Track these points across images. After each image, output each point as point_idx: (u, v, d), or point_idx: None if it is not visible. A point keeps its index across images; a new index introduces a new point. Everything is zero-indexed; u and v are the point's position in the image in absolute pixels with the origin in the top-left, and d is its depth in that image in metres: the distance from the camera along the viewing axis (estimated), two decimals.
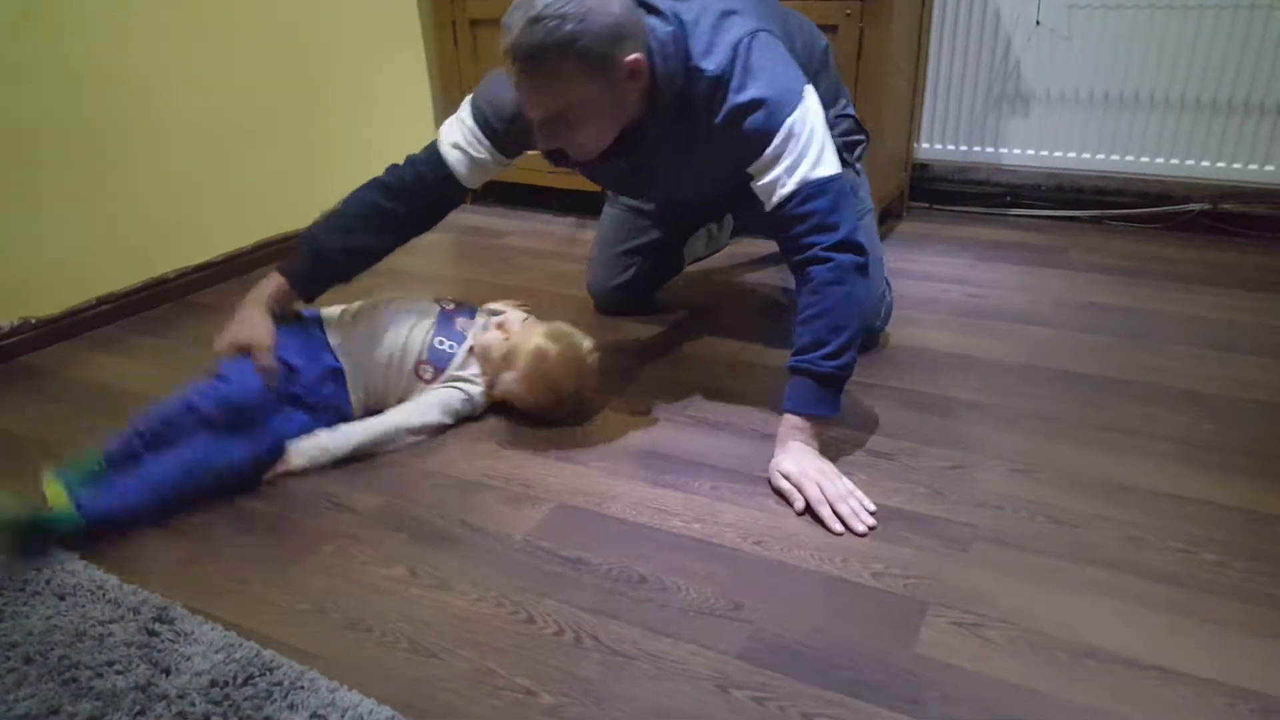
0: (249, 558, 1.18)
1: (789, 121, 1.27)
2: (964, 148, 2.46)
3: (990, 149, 2.44)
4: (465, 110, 1.45)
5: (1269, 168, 2.17)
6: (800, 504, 1.23)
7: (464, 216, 2.66)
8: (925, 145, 2.49)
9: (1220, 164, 2.21)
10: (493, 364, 1.46)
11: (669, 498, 1.28)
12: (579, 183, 2.45)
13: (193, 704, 0.94)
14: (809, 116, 1.28)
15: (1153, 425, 1.42)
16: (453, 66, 2.56)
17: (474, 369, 1.49)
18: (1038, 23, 2.26)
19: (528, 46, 1.16)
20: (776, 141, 1.27)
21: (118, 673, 0.98)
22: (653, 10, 1.29)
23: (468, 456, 1.40)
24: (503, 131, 1.42)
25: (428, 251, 2.37)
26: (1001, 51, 2.33)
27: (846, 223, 1.29)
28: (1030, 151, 2.40)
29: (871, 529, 1.19)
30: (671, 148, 1.38)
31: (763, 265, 2.18)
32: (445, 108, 2.64)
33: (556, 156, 1.34)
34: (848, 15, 1.99)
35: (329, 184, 2.41)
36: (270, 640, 1.03)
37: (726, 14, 1.31)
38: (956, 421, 1.45)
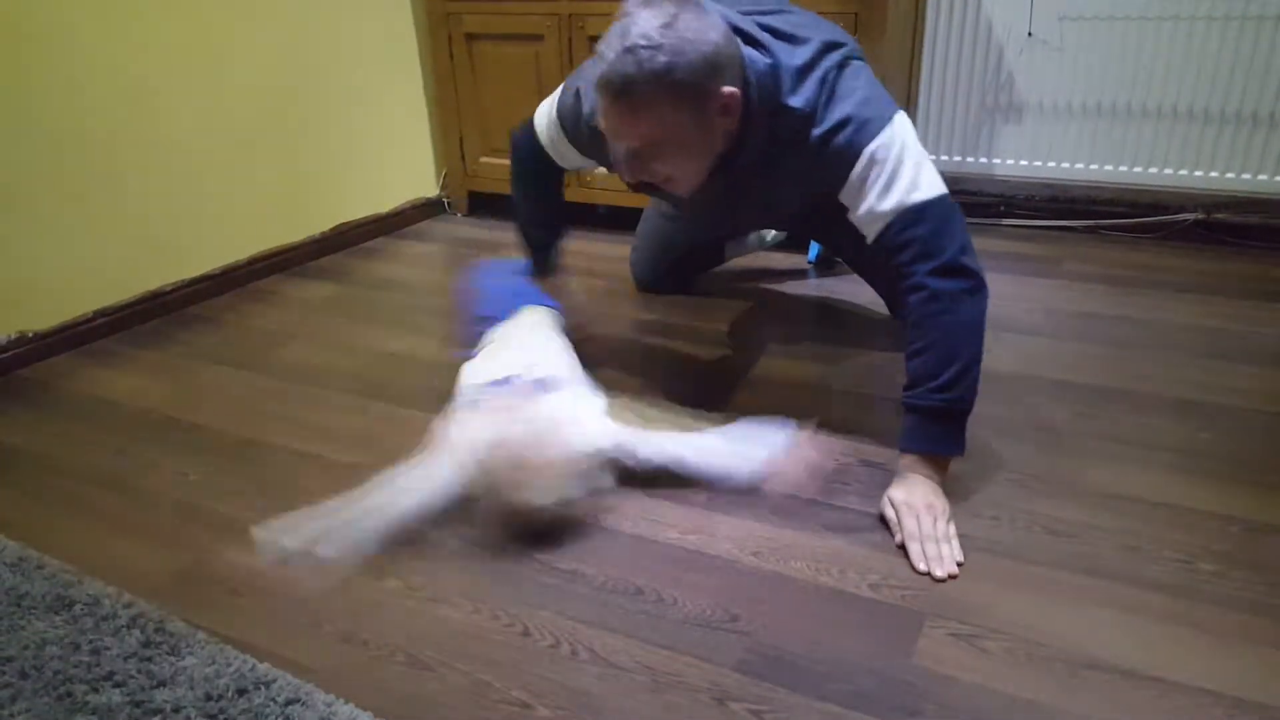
0: (244, 570, 1.18)
1: (874, 144, 1.21)
2: (957, 158, 2.47)
3: (983, 159, 2.45)
4: (552, 117, 1.49)
5: (1262, 177, 2.18)
6: (900, 536, 1.19)
7: (456, 228, 2.67)
8: None
9: (1214, 174, 2.22)
10: None
11: (665, 509, 1.28)
12: (578, 195, 2.47)
13: (188, 718, 0.93)
14: (899, 139, 1.22)
15: (1148, 435, 1.42)
16: (449, 80, 2.57)
17: None
18: (1030, 34, 2.28)
19: (621, 77, 1.12)
20: (860, 164, 1.22)
21: (114, 686, 0.98)
22: (751, 41, 1.23)
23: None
24: (583, 139, 1.44)
25: (419, 263, 2.38)
26: (994, 62, 2.34)
27: (950, 247, 1.21)
28: (1023, 162, 2.41)
29: (953, 577, 1.12)
30: (755, 181, 1.33)
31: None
32: (441, 121, 2.66)
33: (642, 183, 1.31)
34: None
35: (325, 197, 2.43)
36: (265, 653, 1.02)
37: (820, 50, 1.26)
38: None
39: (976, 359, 1.23)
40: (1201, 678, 0.95)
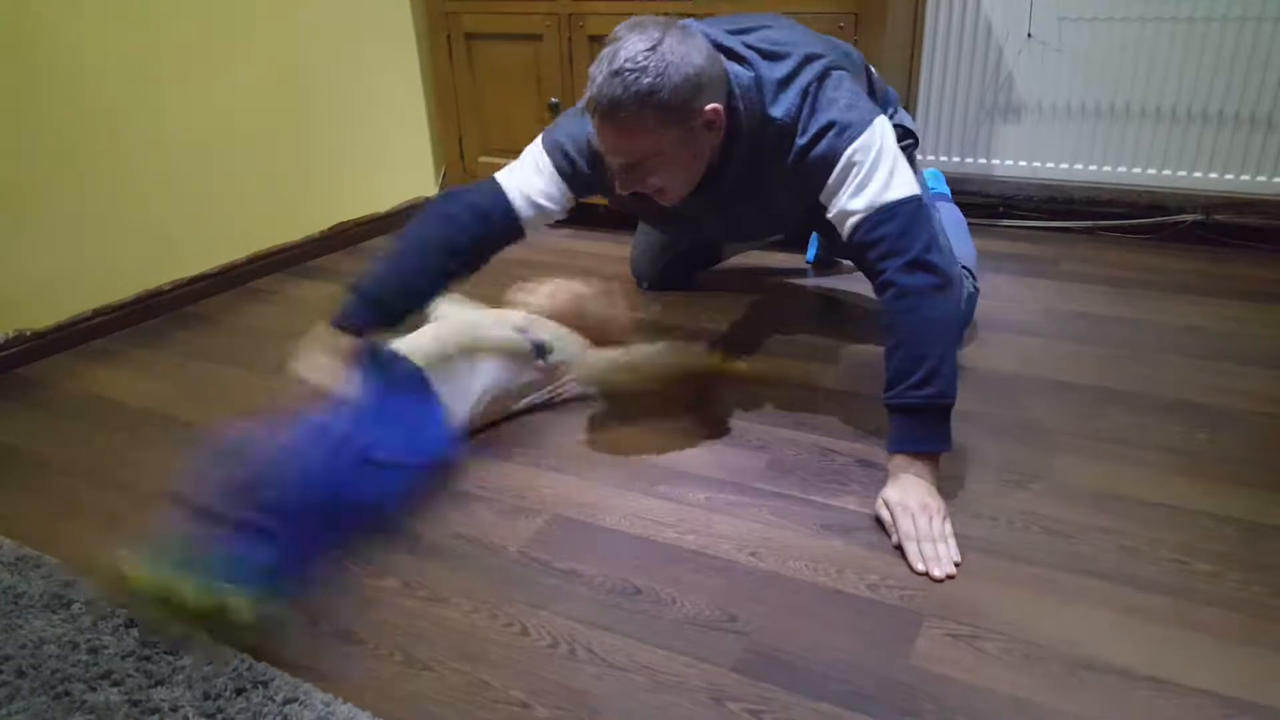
0: None
1: (853, 147, 1.26)
2: (956, 159, 2.47)
3: (983, 160, 2.45)
4: (538, 155, 1.41)
5: (1261, 177, 2.18)
6: (896, 537, 1.19)
7: None
8: (918, 156, 2.49)
9: (1213, 174, 2.22)
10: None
11: (663, 509, 1.28)
12: None
13: (186, 717, 0.93)
14: (877, 142, 1.27)
15: (1146, 435, 1.42)
16: (447, 79, 2.57)
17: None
18: (1029, 35, 2.28)
19: (608, 99, 1.19)
20: (839, 167, 1.27)
21: (112, 685, 0.98)
22: (735, 57, 1.30)
23: (461, 468, 1.40)
24: (581, 168, 1.40)
25: None
26: (993, 63, 2.34)
27: (917, 244, 1.24)
28: (1023, 162, 2.41)
29: (950, 577, 1.13)
30: (742, 191, 1.38)
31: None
32: (440, 120, 2.65)
33: (636, 196, 1.34)
34: (840, 27, 2.00)
35: (324, 197, 2.42)
36: (263, 653, 1.02)
37: (800, 62, 1.31)
38: None
39: (950, 354, 1.24)
40: (1199, 678, 0.96)
